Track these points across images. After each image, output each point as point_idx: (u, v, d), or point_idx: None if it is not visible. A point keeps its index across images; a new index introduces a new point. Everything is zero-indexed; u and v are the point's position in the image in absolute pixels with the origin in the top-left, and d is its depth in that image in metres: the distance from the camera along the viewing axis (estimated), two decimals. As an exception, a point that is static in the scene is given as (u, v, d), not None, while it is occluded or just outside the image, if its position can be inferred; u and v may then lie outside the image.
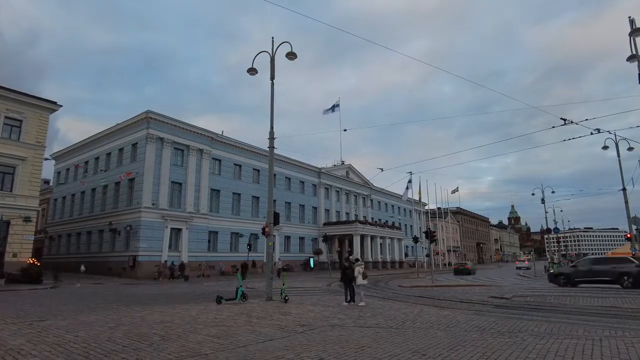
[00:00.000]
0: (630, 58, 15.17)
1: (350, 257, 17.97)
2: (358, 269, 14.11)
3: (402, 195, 53.24)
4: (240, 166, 43.13)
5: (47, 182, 49.13)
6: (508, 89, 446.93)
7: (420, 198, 51.85)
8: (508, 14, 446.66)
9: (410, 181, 46.58)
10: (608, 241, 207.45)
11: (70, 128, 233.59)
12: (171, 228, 34.54)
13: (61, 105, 28.53)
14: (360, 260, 15.66)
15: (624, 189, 26.90)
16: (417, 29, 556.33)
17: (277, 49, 16.10)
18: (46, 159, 31.50)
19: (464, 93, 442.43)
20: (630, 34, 14.99)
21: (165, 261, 32.80)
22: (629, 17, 15.09)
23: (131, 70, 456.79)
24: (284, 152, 51.91)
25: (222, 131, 41.74)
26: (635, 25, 14.84)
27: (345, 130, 29.49)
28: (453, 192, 69.23)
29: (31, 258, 25.62)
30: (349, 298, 13.76)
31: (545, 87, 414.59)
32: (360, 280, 13.99)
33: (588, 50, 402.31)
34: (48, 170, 48.29)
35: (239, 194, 42.49)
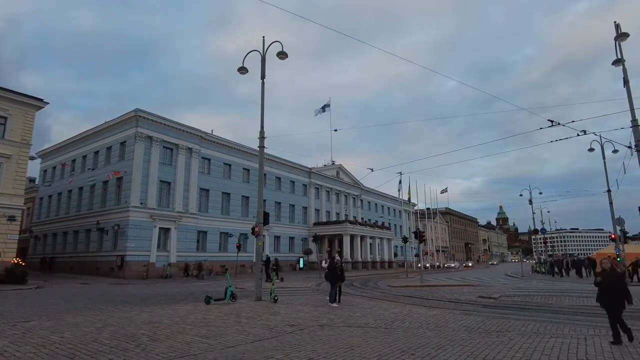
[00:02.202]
0: (616, 62, 15.46)
1: (335, 256, 18.04)
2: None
3: (395, 197, 53.79)
4: (230, 165, 42.89)
5: (32, 180, 48.28)
6: (513, 84, 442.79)
7: (409, 198, 52.17)
8: (520, 1, 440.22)
9: (400, 182, 46.89)
10: (594, 242, 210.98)
11: (55, 121, 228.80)
12: (160, 227, 34.17)
13: (47, 103, 28.02)
14: (338, 257, 15.58)
15: (608, 191, 27.40)
16: (425, 15, 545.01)
17: (268, 48, 16.08)
18: (32, 158, 30.93)
19: (467, 88, 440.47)
20: (616, 39, 15.28)
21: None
22: (615, 22, 15.39)
23: (119, 60, 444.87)
24: (276, 150, 51.80)
25: (212, 130, 41.49)
26: (620, 30, 15.13)
27: (335, 130, 29.44)
28: (442, 192, 69.80)
29: (15, 258, 25.15)
30: (336, 299, 13.68)
31: (551, 83, 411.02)
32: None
33: (597, 45, 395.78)
34: (34, 168, 47.51)
35: (229, 194, 42.26)
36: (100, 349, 6.63)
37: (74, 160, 40.76)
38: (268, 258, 30.75)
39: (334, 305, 13.15)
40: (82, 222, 37.21)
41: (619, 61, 15.35)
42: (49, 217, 42.84)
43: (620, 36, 15.05)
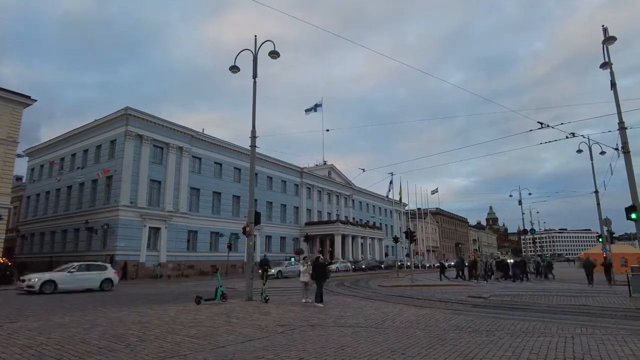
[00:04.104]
0: (603, 65, 15.68)
1: (320, 256, 18.00)
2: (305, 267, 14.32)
3: (385, 196, 54.18)
4: (220, 165, 42.70)
5: (20, 179, 47.58)
6: (517, 81, 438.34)
7: (400, 198, 52.40)
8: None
9: (391, 182, 47.04)
10: (581, 242, 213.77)
11: (41, 113, 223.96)
12: (150, 227, 33.93)
13: (35, 100, 27.70)
14: (308, 258, 15.58)
15: (596, 192, 27.81)
16: (435, 2, 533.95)
17: (260, 47, 16.03)
18: (19, 156, 30.51)
19: (472, 82, 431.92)
20: (604, 42, 15.48)
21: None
22: (603, 26, 15.59)
23: (108, 50, 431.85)
24: (268, 149, 51.62)
25: (203, 129, 41.30)
26: (608, 34, 15.33)
27: (327, 130, 29.42)
28: (433, 192, 70.17)
29: (2, 257, 24.81)
30: (322, 298, 13.65)
31: (554, 79, 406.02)
32: (304, 277, 14.16)
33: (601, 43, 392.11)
34: (21, 166, 46.84)
35: (220, 193, 42.07)
36: (89, 349, 6.55)
37: (62, 159, 40.26)
38: (266, 258, 30.62)
39: (320, 305, 13.05)
40: (70, 221, 36.76)
41: (606, 64, 15.57)
42: (37, 216, 42.25)
43: (608, 39, 15.26)
